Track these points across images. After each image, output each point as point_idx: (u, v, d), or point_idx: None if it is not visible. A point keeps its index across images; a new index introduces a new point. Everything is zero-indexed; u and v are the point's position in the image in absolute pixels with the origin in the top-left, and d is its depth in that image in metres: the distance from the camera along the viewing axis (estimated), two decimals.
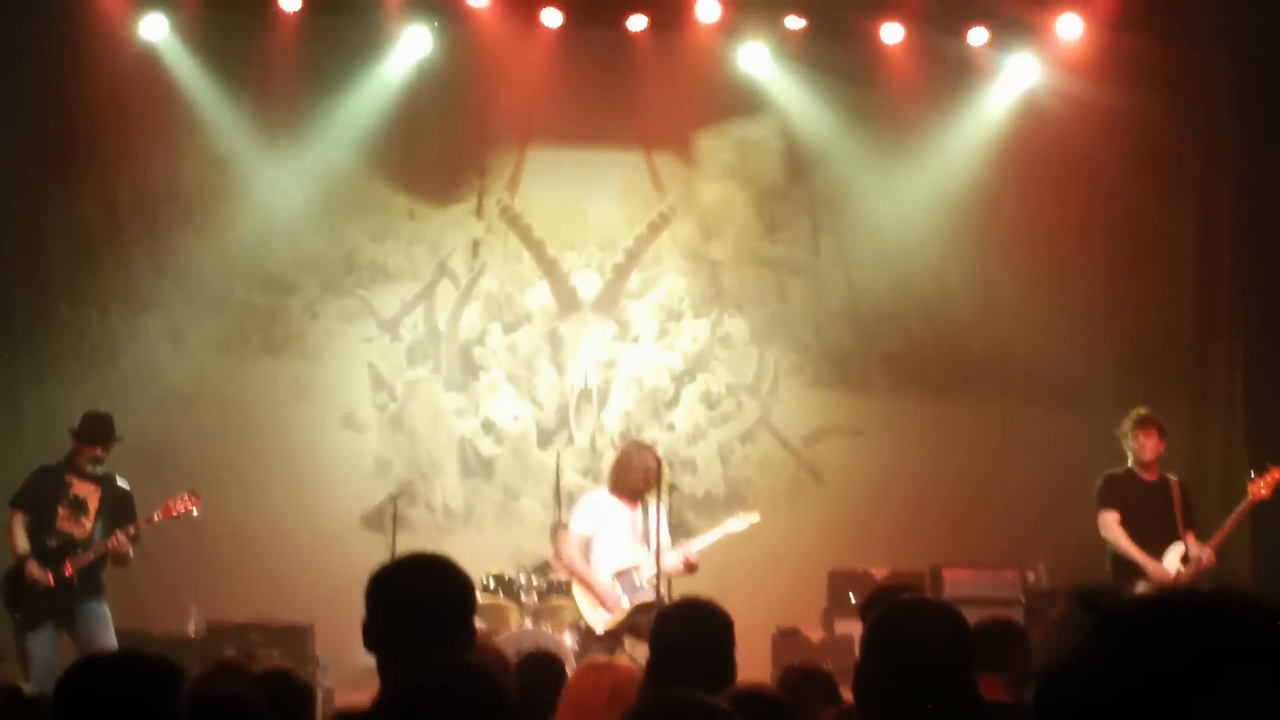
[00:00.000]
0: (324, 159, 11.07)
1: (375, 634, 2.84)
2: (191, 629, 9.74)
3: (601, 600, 7.88)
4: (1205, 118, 11.30)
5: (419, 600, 2.82)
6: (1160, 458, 8.00)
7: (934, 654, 2.56)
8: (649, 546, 7.79)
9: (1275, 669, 0.93)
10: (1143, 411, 8.07)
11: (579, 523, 8.08)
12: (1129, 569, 7.71)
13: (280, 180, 11.04)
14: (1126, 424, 8.02)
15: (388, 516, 9.84)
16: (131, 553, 7.87)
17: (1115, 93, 10.91)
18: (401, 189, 11.25)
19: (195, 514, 8.06)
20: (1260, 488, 7.87)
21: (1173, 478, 8.03)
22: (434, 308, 11.30)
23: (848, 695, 3.22)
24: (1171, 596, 1.02)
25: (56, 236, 10.87)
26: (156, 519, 7.95)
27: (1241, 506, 7.91)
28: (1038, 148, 11.17)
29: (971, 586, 9.38)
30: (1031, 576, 9.96)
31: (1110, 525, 7.87)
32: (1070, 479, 10.58)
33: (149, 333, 10.90)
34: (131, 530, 7.84)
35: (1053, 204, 11.25)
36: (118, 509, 7.99)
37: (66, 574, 7.74)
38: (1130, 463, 8.01)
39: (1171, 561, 7.70)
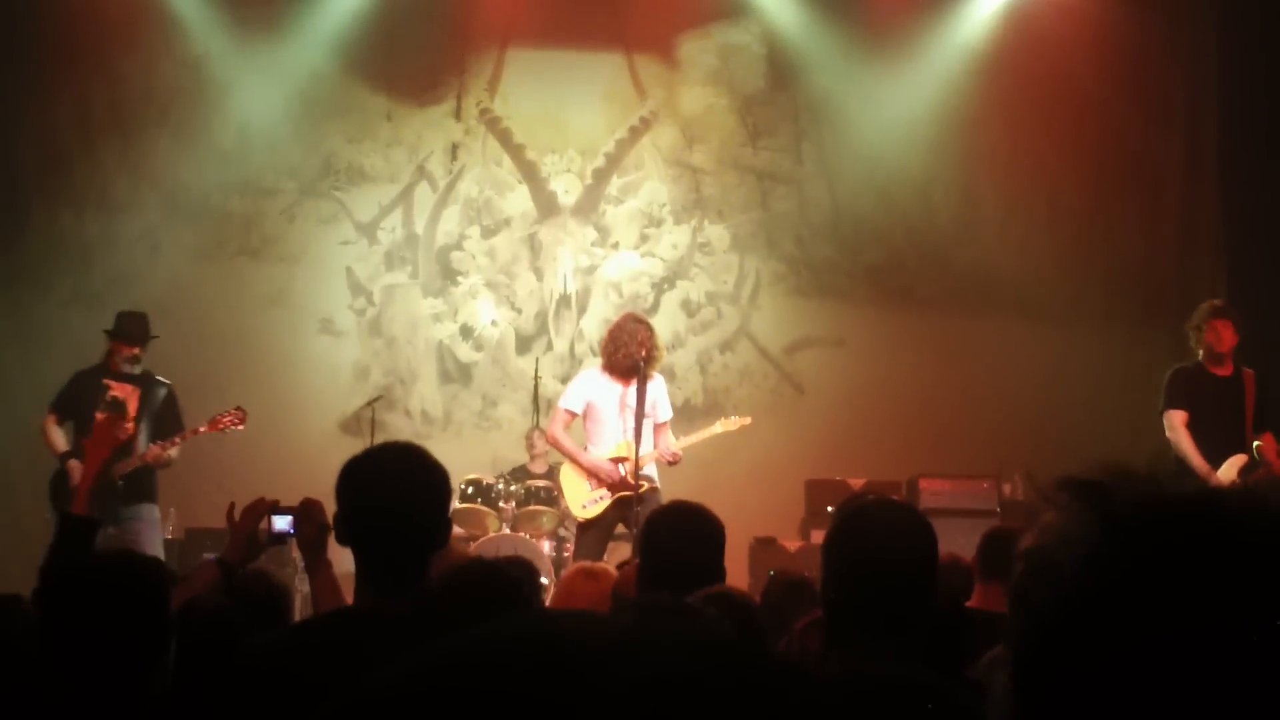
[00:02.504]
0: (300, 59, 10.91)
1: (346, 525, 2.79)
2: (169, 532, 9.73)
3: (591, 472, 7.63)
4: (1192, 39, 11.19)
5: (390, 487, 2.76)
6: (1234, 351, 7.46)
7: (892, 554, 2.54)
8: (637, 424, 7.50)
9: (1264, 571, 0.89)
10: (1217, 302, 7.64)
11: (566, 399, 7.92)
12: (1190, 473, 7.21)
13: (256, 82, 10.88)
14: (1199, 316, 7.49)
15: (366, 422, 9.84)
16: (173, 456, 7.74)
17: (1100, 3, 10.78)
18: (379, 90, 11.10)
19: (241, 429, 7.95)
20: None
21: (1248, 372, 7.47)
22: (412, 211, 11.19)
23: None
24: (1175, 491, 0.97)
25: (29, 138, 10.72)
26: (202, 430, 7.83)
27: None
28: (1023, 58, 11.05)
29: (948, 497, 9.41)
30: (1008, 488, 9.99)
31: (1176, 426, 7.39)
32: (1049, 393, 10.67)
33: (124, 237, 10.78)
34: (178, 440, 7.71)
35: (1038, 119, 11.15)
36: (160, 407, 7.88)
37: (114, 477, 7.62)
38: (1201, 356, 7.49)
39: (1229, 472, 7.24)
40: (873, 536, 2.57)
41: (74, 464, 7.64)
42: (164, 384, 7.95)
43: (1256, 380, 7.49)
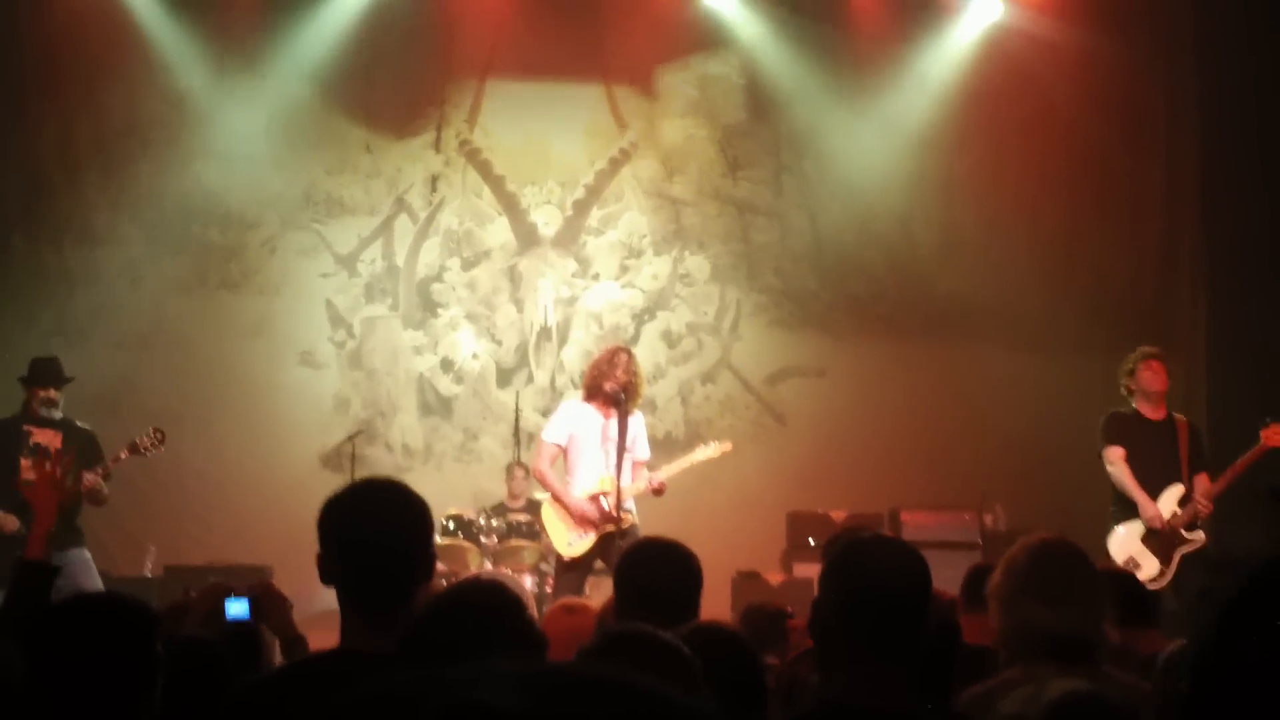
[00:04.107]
0: (280, 92, 10.92)
1: (330, 564, 2.78)
2: (149, 570, 9.67)
3: (572, 515, 7.61)
4: (1170, 64, 11.28)
5: (373, 523, 2.75)
6: (1166, 395, 7.72)
7: (890, 589, 2.60)
8: (618, 457, 7.46)
9: None
10: (1148, 348, 7.80)
11: (550, 432, 7.88)
12: (1129, 507, 7.53)
13: (237, 114, 10.89)
14: (1131, 361, 7.74)
15: (346, 456, 9.80)
16: (106, 490, 7.74)
17: (1079, 33, 10.88)
18: (359, 122, 11.10)
19: (162, 449, 7.96)
20: (1274, 434, 7.42)
21: (1180, 418, 7.75)
22: (392, 243, 11.19)
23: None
24: None
25: (10, 170, 10.71)
26: (124, 456, 7.82)
27: (1250, 453, 7.45)
28: (1002, 88, 11.13)
29: (930, 529, 9.39)
30: (989, 519, 9.99)
31: (1115, 460, 7.62)
32: (1030, 423, 10.68)
33: (106, 269, 10.76)
34: (101, 470, 7.70)
35: (1018, 146, 11.21)
36: (84, 449, 7.84)
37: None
38: (1135, 402, 7.73)
39: (1167, 503, 7.48)
40: (869, 570, 2.63)
41: None
42: (84, 427, 7.93)
43: (1190, 428, 7.74)
